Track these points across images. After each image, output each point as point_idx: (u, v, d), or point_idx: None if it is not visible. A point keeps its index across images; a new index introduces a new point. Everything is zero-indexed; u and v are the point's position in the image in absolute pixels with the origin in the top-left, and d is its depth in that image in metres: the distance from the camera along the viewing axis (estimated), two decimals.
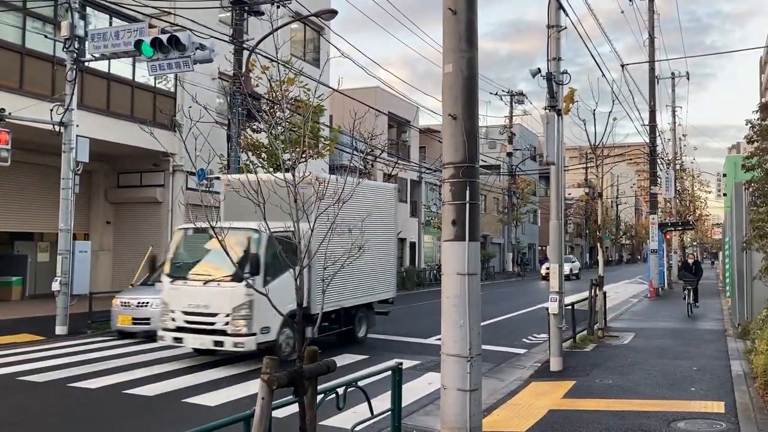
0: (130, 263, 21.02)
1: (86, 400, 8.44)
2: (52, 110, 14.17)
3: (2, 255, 21.16)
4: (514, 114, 46.80)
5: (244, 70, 18.95)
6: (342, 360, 10.59)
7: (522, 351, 12.82)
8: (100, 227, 23.12)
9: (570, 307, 12.65)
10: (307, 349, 3.97)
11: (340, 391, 4.63)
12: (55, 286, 14.13)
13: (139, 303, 13.45)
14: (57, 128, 14.28)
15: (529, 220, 55.63)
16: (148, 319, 13.03)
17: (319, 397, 4.22)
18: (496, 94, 46.19)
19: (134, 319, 13.39)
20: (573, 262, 43.99)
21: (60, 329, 13.90)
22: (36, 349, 12.12)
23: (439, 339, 5.94)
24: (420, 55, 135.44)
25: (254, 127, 20.40)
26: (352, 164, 13.36)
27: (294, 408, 4.41)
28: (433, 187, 40.15)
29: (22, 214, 20.23)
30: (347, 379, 4.98)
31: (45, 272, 20.40)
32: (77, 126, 14.65)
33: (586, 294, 14.13)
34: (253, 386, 8.66)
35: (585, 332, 13.53)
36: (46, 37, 17.35)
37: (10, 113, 13.97)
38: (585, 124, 16.75)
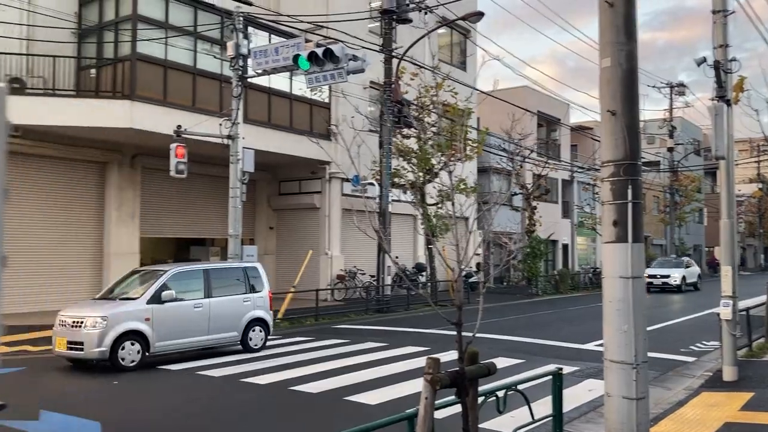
0: (291, 266, 22.22)
1: (254, 395, 9.03)
2: (221, 125, 15.32)
3: (180, 260, 23.15)
4: (674, 107, 43.99)
5: (393, 77, 19.37)
6: (497, 363, 10.48)
7: (690, 359, 12.01)
8: (264, 232, 24.63)
9: (744, 312, 11.68)
10: (468, 351, 4.01)
11: (500, 394, 4.62)
12: None
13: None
14: (225, 141, 15.43)
15: (694, 220, 51.98)
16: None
17: (480, 399, 4.24)
18: (654, 86, 43.71)
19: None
20: (687, 267, 32.58)
21: None
22: None
23: (598, 344, 5.75)
24: (570, 50, 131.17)
25: (404, 133, 20.79)
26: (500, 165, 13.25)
27: (451, 410, 4.47)
28: (586, 186, 38.68)
29: (196, 221, 22.03)
30: (507, 382, 4.95)
31: None
32: (243, 138, 15.75)
33: (763, 298, 12.98)
34: (410, 386, 8.90)
35: (763, 340, 12.44)
36: (214, 57, 18.82)
37: (185, 129, 15.32)
38: (758, 114, 15.38)
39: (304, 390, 9.17)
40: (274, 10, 21.01)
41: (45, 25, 16.98)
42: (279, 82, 20.69)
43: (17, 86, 16.66)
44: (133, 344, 10.73)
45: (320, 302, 18.32)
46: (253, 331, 12.55)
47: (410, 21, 19.73)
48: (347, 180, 21.93)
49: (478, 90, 19.22)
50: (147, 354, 10.93)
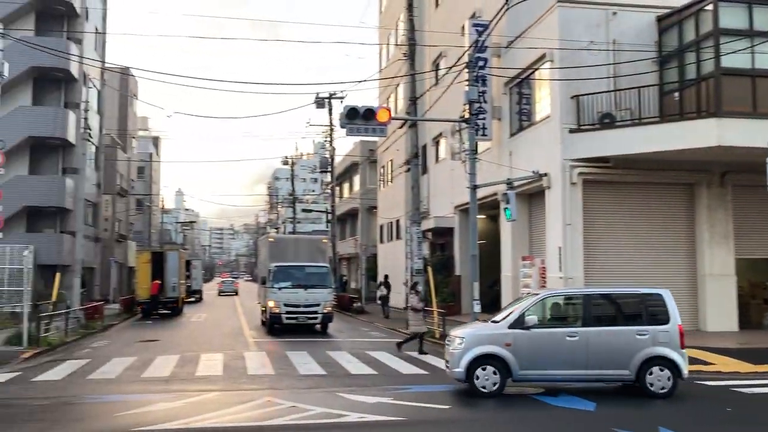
0: None
1: None
2: None
3: None
4: None
5: None
6: None
7: None
8: None
9: None
10: None
11: None
12: None
13: None
14: None
15: None
16: None
17: None
18: None
19: None
20: None
21: None
22: None
23: None
24: None
25: None
26: None
27: None
28: None
29: None
30: None
31: None
32: None
33: None
34: None
35: None
36: None
37: None
38: None
39: None
40: None
41: (628, 60, 17.99)
42: None
43: (607, 121, 18.07)
44: (486, 369, 10.29)
45: None
46: (651, 373, 10.31)
47: None
48: None
49: None
50: (509, 381, 10.39)
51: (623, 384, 10.78)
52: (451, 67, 23.35)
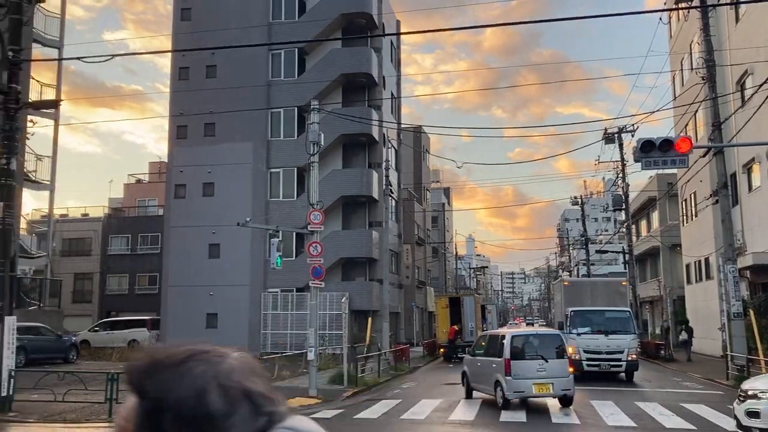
0: None
1: None
2: None
3: None
4: None
5: None
6: None
7: None
8: None
9: None
10: None
11: None
12: None
13: None
14: None
15: None
16: None
17: None
18: None
19: None
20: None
21: None
22: None
23: None
24: None
25: None
26: None
27: None
28: None
29: None
30: None
31: None
32: None
33: None
34: None
35: None
36: None
37: None
38: None
39: None
40: None
41: None
42: None
43: None
44: None
45: None
46: None
47: None
48: None
49: None
50: None
51: None
52: (761, 85, 20.82)
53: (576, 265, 76.64)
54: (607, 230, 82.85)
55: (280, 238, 20.59)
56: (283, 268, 21.94)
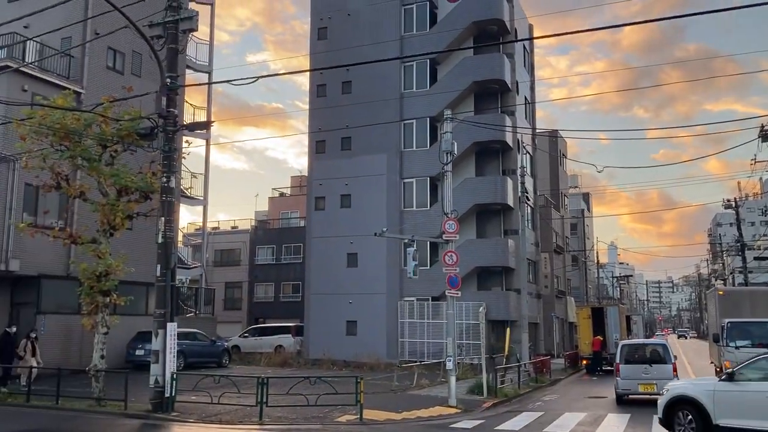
0: None
1: None
2: None
3: None
4: None
5: None
6: None
7: None
8: None
9: None
10: None
11: None
12: None
13: None
14: None
15: None
16: None
17: None
18: None
19: None
20: None
21: None
22: None
23: None
24: None
25: None
26: None
27: None
28: None
29: None
30: None
31: None
32: None
33: None
34: None
35: None
36: None
37: None
38: None
39: None
40: None
41: None
42: None
43: None
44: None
45: None
46: None
47: None
48: None
49: None
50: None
51: None
52: None
53: (731, 273, 71.18)
54: (765, 235, 76.18)
55: (415, 248, 20.76)
56: (419, 277, 22.10)
